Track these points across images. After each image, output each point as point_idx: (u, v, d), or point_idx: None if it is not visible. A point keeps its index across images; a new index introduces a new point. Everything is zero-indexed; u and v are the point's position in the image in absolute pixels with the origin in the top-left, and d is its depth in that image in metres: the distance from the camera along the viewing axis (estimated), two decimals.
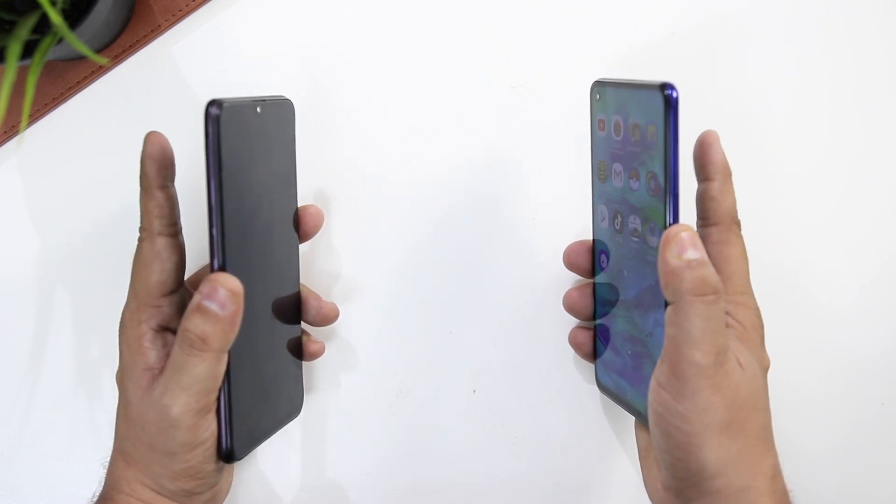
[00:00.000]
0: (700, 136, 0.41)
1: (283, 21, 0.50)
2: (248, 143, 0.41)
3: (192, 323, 0.39)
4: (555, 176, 0.51)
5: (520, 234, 0.51)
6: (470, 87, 0.51)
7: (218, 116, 0.38)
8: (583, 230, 0.48)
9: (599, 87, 0.44)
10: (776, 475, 0.39)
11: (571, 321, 0.50)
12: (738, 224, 0.42)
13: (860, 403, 0.53)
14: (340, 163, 0.51)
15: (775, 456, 0.40)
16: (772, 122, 0.52)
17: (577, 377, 0.51)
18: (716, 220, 0.42)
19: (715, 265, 0.41)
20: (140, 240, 0.42)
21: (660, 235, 0.39)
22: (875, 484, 0.53)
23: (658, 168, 0.39)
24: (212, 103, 0.39)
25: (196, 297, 0.39)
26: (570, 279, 0.49)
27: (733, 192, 0.42)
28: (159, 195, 0.41)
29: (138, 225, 0.42)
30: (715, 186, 0.41)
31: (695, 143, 0.42)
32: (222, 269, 0.40)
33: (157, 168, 0.41)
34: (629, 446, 0.51)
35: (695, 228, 0.39)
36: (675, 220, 0.39)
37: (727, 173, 0.42)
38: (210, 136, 0.39)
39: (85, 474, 0.49)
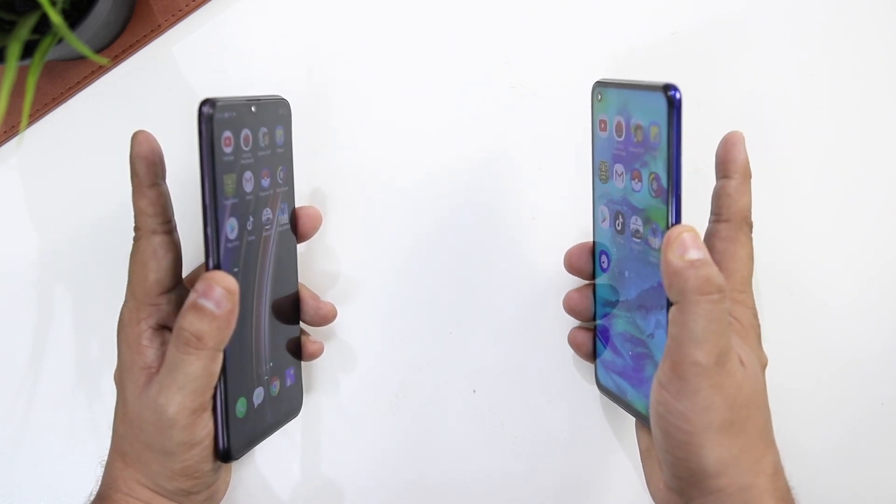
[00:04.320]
0: (726, 135, 0.42)
1: (282, 21, 0.50)
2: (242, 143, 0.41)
3: (188, 321, 0.39)
4: (555, 176, 0.51)
5: (520, 234, 0.51)
6: (470, 87, 0.51)
7: (211, 115, 0.38)
8: (583, 230, 0.48)
9: (601, 87, 0.44)
10: (777, 472, 0.39)
11: (571, 321, 0.50)
12: (749, 225, 0.43)
13: (860, 403, 0.52)
14: (338, 163, 0.51)
15: (776, 453, 0.40)
16: (772, 123, 0.52)
17: (577, 377, 0.51)
18: (728, 216, 0.42)
19: (720, 261, 0.41)
20: (135, 239, 0.42)
21: (662, 237, 0.39)
22: (875, 484, 0.53)
23: (661, 169, 0.39)
24: (205, 102, 0.39)
25: (192, 296, 0.39)
26: (569, 279, 0.49)
27: (750, 194, 0.42)
28: (151, 193, 0.41)
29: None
30: (733, 184, 0.42)
31: (720, 141, 0.42)
32: (217, 267, 0.40)
33: (147, 166, 0.41)
34: (629, 446, 0.51)
35: (699, 229, 0.39)
36: (678, 220, 0.39)
37: (747, 174, 0.42)
38: (203, 135, 0.39)
39: (85, 474, 0.49)
